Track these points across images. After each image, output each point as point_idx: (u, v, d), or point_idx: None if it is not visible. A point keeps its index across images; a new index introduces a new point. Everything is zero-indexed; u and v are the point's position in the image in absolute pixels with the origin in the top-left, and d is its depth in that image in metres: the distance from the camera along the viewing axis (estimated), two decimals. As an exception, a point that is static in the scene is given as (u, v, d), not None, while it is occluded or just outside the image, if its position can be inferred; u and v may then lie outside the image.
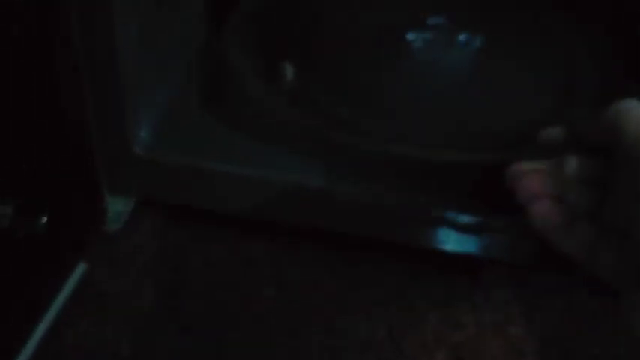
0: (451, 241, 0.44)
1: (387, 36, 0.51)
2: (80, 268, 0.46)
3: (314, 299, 0.46)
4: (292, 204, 0.44)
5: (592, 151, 0.35)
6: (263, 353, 0.43)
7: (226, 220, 0.48)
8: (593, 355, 0.44)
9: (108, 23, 0.37)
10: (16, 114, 0.36)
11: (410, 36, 0.51)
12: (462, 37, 0.51)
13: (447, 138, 0.44)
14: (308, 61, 0.49)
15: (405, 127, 0.45)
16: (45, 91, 0.38)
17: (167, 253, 0.49)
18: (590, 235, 0.34)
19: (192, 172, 0.44)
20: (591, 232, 0.34)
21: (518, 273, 0.48)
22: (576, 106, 0.47)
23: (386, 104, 0.47)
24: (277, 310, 0.46)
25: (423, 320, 0.45)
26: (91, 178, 0.45)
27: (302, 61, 0.48)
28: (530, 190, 0.35)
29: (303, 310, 0.46)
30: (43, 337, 0.43)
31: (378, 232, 0.45)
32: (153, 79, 0.45)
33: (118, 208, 0.48)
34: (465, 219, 0.42)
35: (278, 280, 0.47)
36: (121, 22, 0.38)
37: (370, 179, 0.43)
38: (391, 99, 0.48)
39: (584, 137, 0.35)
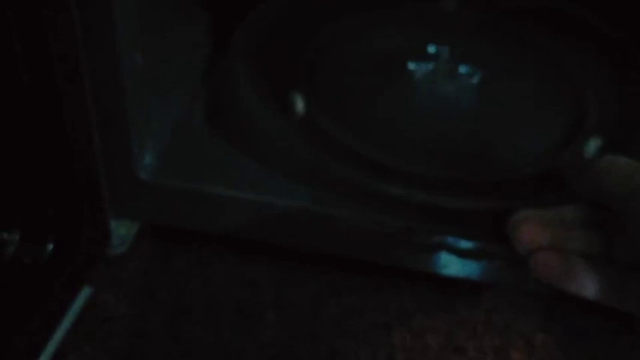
0: (452, 266, 0.44)
1: (391, 65, 0.52)
2: (85, 292, 0.46)
3: (316, 322, 0.47)
4: (294, 228, 0.45)
5: None
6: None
7: (229, 243, 0.49)
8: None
9: (112, 53, 0.38)
10: (23, 142, 0.36)
11: (411, 65, 0.51)
12: (463, 69, 0.52)
13: (449, 167, 0.45)
14: (314, 89, 0.49)
15: (407, 156, 0.45)
16: (50, 119, 0.39)
17: (170, 277, 0.49)
18: (609, 274, 0.33)
19: (197, 197, 0.45)
20: (609, 271, 0.33)
21: (519, 297, 0.48)
22: (584, 138, 0.47)
23: (390, 134, 0.47)
24: (279, 334, 0.46)
25: (425, 345, 0.46)
26: (97, 203, 0.45)
27: (308, 89, 0.49)
28: (527, 239, 0.34)
29: (304, 334, 0.46)
30: (49, 361, 0.43)
31: (379, 256, 0.46)
32: (157, 105, 0.45)
33: (122, 231, 0.48)
34: (466, 244, 0.43)
35: (280, 303, 0.48)
36: (126, 52, 0.38)
37: (372, 207, 0.43)
38: (394, 128, 0.48)
39: (573, 188, 0.35)
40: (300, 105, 0.47)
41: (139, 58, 0.40)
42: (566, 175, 0.37)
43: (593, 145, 0.46)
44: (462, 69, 0.52)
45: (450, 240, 0.43)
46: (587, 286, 0.33)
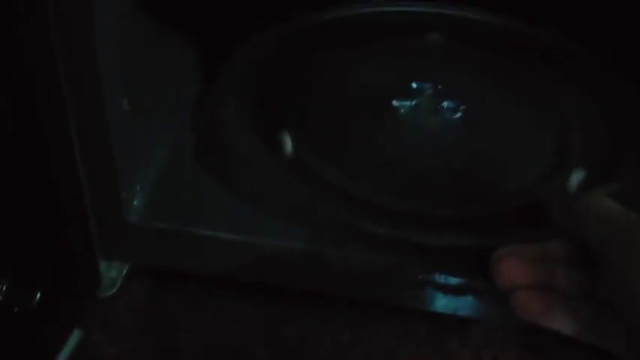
0: (439, 302, 0.44)
1: (377, 103, 0.53)
2: (75, 335, 0.46)
3: (307, 359, 0.47)
4: (284, 268, 0.45)
5: None
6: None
7: (218, 281, 0.49)
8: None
9: (99, 101, 0.38)
10: (11, 191, 0.37)
11: (396, 102, 0.52)
12: (447, 104, 0.52)
13: (436, 203, 0.46)
14: (302, 128, 0.50)
15: (394, 193, 0.46)
16: (37, 166, 0.39)
17: (161, 316, 0.49)
18: (589, 312, 0.33)
19: (186, 239, 0.45)
20: (589, 309, 0.34)
21: (506, 332, 0.48)
22: (569, 169, 0.48)
23: (376, 172, 0.48)
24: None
25: (414, 380, 0.46)
26: (86, 247, 0.45)
27: (296, 127, 0.49)
28: (507, 278, 0.34)
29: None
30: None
31: (369, 293, 0.46)
32: (145, 148, 0.46)
33: (112, 273, 0.49)
34: (452, 281, 0.43)
35: (271, 339, 0.48)
36: (112, 100, 0.39)
37: (361, 246, 0.44)
38: (381, 166, 0.49)
39: (556, 223, 0.36)
40: (288, 145, 0.48)
41: (126, 105, 0.40)
42: (549, 210, 0.37)
43: (576, 178, 0.47)
44: (446, 104, 0.52)
45: (437, 277, 0.43)
46: (567, 325, 0.34)
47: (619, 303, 0.31)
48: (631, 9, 0.56)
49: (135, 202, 0.45)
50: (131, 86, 0.41)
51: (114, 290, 0.49)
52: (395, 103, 0.52)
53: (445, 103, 0.53)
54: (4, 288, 0.36)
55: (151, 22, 0.45)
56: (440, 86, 0.54)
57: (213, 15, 0.56)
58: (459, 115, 0.52)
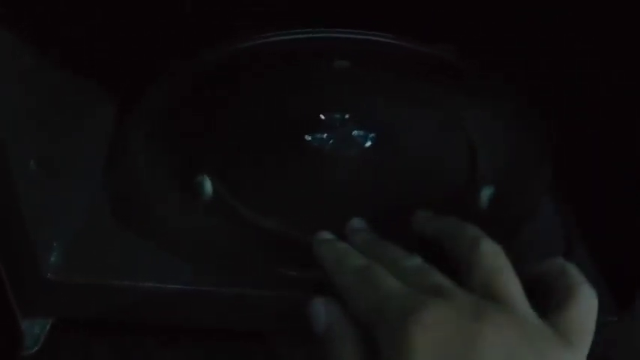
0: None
1: (288, 137, 0.53)
2: (-1, 398, 0.46)
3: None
4: (208, 310, 0.46)
5: None
6: None
7: (145, 329, 0.49)
8: None
9: (2, 162, 0.38)
10: None
11: (308, 137, 0.53)
12: (357, 133, 0.54)
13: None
14: (217, 168, 0.50)
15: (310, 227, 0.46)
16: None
17: (88, 370, 0.49)
18: None
19: (106, 291, 0.45)
20: None
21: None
22: (477, 189, 0.50)
23: (292, 206, 0.49)
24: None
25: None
26: (4, 305, 0.45)
27: (211, 168, 0.50)
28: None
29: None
30: None
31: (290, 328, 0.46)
32: (59, 205, 0.46)
33: (35, 330, 0.48)
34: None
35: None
36: (18, 162, 0.38)
37: (284, 285, 0.44)
38: (296, 200, 0.49)
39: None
40: (206, 187, 0.48)
41: (33, 165, 0.40)
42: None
43: (485, 195, 0.49)
44: (356, 133, 0.54)
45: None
46: None
47: None
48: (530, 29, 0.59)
49: (52, 259, 0.45)
50: (38, 147, 0.41)
51: (37, 347, 0.48)
52: (307, 137, 0.53)
53: (355, 132, 0.54)
54: None
55: (57, 77, 0.45)
56: (348, 115, 0.55)
57: (122, 64, 0.56)
58: (369, 143, 0.53)
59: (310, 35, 0.63)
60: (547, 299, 0.35)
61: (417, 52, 0.63)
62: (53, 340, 0.49)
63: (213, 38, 0.61)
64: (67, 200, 0.47)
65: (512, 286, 0.34)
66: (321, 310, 0.37)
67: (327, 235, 0.42)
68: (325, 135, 0.53)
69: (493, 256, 0.36)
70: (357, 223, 0.44)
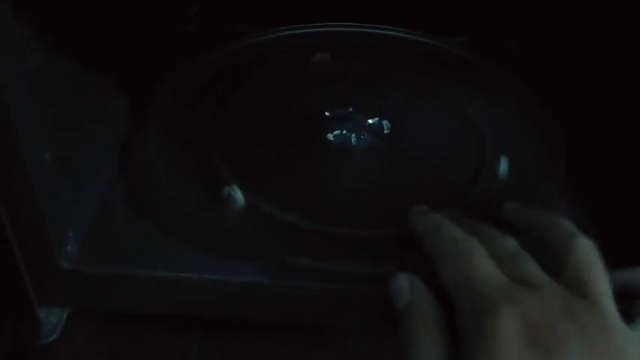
0: (381, 325, 0.45)
1: (308, 135, 0.54)
2: (16, 386, 0.46)
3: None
4: (222, 301, 0.46)
5: None
6: None
7: (161, 319, 0.49)
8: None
9: (17, 154, 0.38)
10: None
11: (330, 136, 0.53)
12: (371, 122, 0.54)
13: (374, 226, 0.47)
14: (235, 164, 0.50)
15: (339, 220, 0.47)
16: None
17: (104, 358, 0.49)
18: None
19: (122, 280, 0.45)
20: None
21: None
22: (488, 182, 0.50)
23: (325, 201, 0.49)
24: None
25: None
26: (21, 295, 0.45)
27: (227, 163, 0.50)
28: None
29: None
30: None
31: (307, 321, 0.47)
32: (74, 195, 0.46)
33: (51, 320, 0.48)
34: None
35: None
36: (32, 152, 0.39)
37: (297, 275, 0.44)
38: (327, 194, 0.50)
39: None
40: (239, 198, 0.48)
41: (48, 156, 0.40)
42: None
43: (502, 166, 0.49)
44: (371, 122, 0.54)
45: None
46: None
47: None
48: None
49: (68, 248, 0.45)
50: (53, 138, 0.42)
51: (54, 336, 0.49)
52: (329, 136, 0.53)
53: (370, 121, 0.54)
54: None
55: (70, 72, 0.46)
56: (361, 108, 0.55)
57: (132, 57, 0.56)
58: (385, 131, 0.54)
59: (313, 30, 0.64)
60: (632, 305, 0.35)
61: (425, 44, 0.63)
62: (70, 330, 0.50)
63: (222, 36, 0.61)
64: (83, 190, 0.48)
65: (603, 284, 0.34)
66: (405, 284, 0.37)
67: (421, 207, 0.43)
68: (344, 131, 0.53)
69: (589, 252, 0.36)
70: (421, 208, 0.44)
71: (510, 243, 0.38)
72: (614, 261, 0.44)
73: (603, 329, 0.32)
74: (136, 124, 0.55)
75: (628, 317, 0.34)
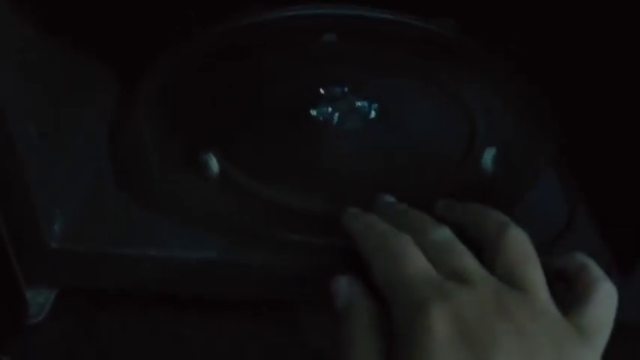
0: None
1: (294, 112, 0.53)
2: (3, 365, 0.46)
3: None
4: (212, 279, 0.46)
5: None
6: None
7: (151, 299, 0.49)
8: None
9: (6, 134, 0.38)
10: None
11: (313, 111, 0.53)
12: (360, 104, 0.53)
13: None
14: (222, 143, 0.50)
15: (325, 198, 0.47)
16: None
17: (94, 340, 0.49)
18: None
19: (111, 260, 0.45)
20: None
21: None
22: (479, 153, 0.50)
23: (306, 179, 0.49)
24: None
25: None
26: (8, 274, 0.45)
27: (216, 143, 0.50)
28: None
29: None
30: None
31: (297, 296, 0.47)
32: (62, 172, 0.46)
33: (39, 299, 0.48)
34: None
35: (203, 352, 0.48)
36: (17, 125, 0.38)
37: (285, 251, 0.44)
38: (309, 172, 0.50)
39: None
40: (212, 162, 0.48)
41: (33, 130, 0.40)
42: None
43: (488, 157, 0.49)
44: (359, 105, 0.54)
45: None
46: None
47: None
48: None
49: (55, 227, 0.45)
50: (39, 112, 0.41)
51: (42, 316, 0.48)
52: (313, 112, 0.53)
53: (358, 104, 0.53)
54: None
55: (59, 50, 0.45)
56: (347, 89, 0.55)
57: (123, 37, 0.56)
58: (373, 114, 0.53)
59: (305, 11, 0.63)
60: (567, 294, 0.35)
61: (416, 27, 0.63)
62: (58, 310, 0.49)
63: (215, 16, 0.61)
64: (71, 169, 0.47)
65: (536, 275, 0.34)
66: (343, 285, 0.37)
67: (355, 209, 0.42)
68: (330, 109, 0.53)
69: (520, 243, 0.35)
70: (385, 197, 0.44)
71: (445, 233, 0.37)
72: (603, 234, 0.44)
73: (538, 321, 0.32)
74: (128, 104, 0.54)
75: (562, 306, 0.34)
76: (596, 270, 0.35)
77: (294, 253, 0.44)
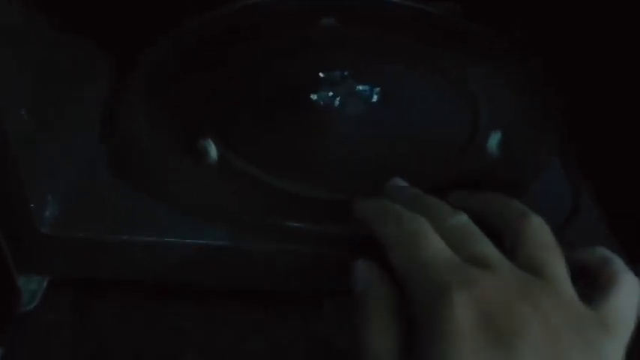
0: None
1: (294, 98, 0.52)
2: (-4, 354, 0.45)
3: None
4: (209, 267, 0.45)
5: None
6: None
7: (146, 288, 0.48)
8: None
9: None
10: None
11: (314, 96, 0.52)
12: (362, 88, 0.52)
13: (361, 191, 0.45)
14: (220, 128, 0.49)
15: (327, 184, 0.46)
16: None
17: (88, 329, 0.48)
18: None
19: (104, 246, 0.44)
20: None
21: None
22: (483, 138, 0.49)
23: (300, 164, 0.48)
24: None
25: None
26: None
27: (213, 128, 0.49)
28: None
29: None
30: None
31: (298, 287, 0.46)
32: (55, 157, 0.45)
33: (32, 287, 0.47)
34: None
35: (203, 344, 0.47)
36: (8, 108, 0.37)
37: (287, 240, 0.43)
38: (310, 158, 0.49)
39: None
40: (210, 147, 0.47)
41: (24, 116, 0.39)
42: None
43: (494, 141, 0.48)
44: (361, 88, 0.53)
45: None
46: None
47: None
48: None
49: (47, 213, 0.44)
50: (31, 96, 0.40)
51: (34, 304, 0.47)
52: (313, 96, 0.52)
53: (360, 88, 0.52)
54: None
55: (51, 31, 0.44)
56: (348, 73, 0.54)
57: (117, 21, 0.55)
58: (375, 98, 0.52)
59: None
60: (589, 287, 0.34)
61: (418, 10, 0.62)
62: (50, 297, 0.49)
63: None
64: (63, 154, 0.47)
65: (558, 265, 0.33)
66: (363, 269, 0.36)
67: (399, 180, 0.42)
68: (330, 93, 0.52)
69: (543, 232, 0.34)
70: (397, 181, 0.43)
71: (463, 219, 0.36)
72: (610, 222, 0.43)
73: (562, 311, 0.31)
74: (122, 88, 0.53)
75: (585, 298, 0.33)
76: (619, 262, 0.34)
77: (295, 240, 0.43)
